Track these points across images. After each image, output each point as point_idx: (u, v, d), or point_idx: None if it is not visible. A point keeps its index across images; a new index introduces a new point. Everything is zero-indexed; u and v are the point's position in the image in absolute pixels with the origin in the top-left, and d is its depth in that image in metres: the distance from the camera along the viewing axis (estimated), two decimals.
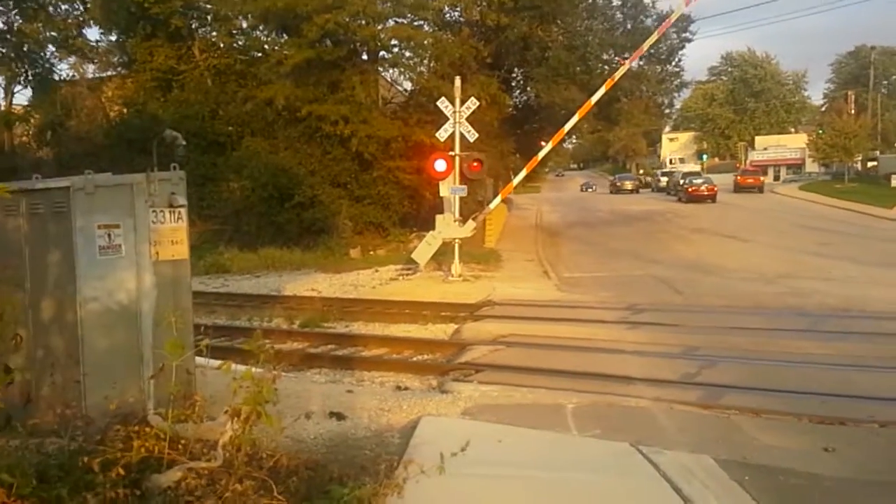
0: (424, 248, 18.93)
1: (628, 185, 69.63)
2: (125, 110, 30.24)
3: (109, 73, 34.05)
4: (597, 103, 21.96)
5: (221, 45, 31.87)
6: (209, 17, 31.95)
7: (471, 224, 19.07)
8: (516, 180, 24.01)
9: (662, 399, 7.79)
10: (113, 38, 33.51)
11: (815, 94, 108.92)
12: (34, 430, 4.95)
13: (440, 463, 4.08)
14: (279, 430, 4.14)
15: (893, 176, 53.83)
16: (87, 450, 4.31)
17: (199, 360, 6.13)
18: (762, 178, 55.73)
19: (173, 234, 6.60)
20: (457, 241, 18.47)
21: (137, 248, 6.25)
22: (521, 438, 6.31)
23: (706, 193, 47.08)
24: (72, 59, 33.26)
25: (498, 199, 23.35)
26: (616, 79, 20.78)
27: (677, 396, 7.94)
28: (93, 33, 40.98)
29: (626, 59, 25.19)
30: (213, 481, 4.03)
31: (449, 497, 4.56)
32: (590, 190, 79.74)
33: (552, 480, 5.19)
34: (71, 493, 3.78)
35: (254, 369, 4.23)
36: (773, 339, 11.00)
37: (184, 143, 25.63)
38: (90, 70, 34.33)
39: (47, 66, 33.89)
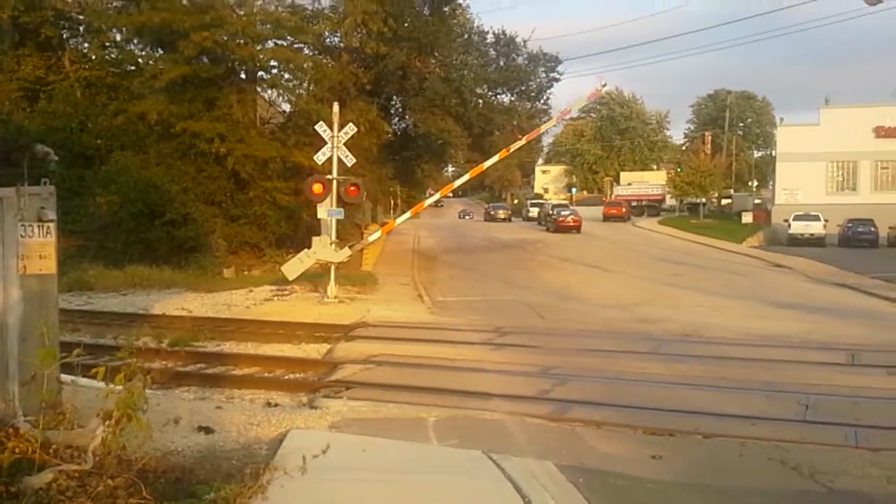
0: (296, 264, 19.04)
1: (501, 213, 73.13)
2: None
3: None
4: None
5: (93, 57, 30.87)
6: (81, 28, 30.92)
7: (346, 251, 19.33)
8: (399, 220, 24.48)
9: (516, 413, 8.43)
10: None
11: (677, 134, 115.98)
12: None
13: (302, 464, 4.45)
14: (148, 435, 4.38)
15: (744, 213, 58.40)
16: None
17: (64, 375, 6.20)
18: (625, 210, 60.22)
19: (42, 248, 6.64)
20: (332, 263, 18.73)
21: (5, 262, 6.26)
22: (384, 448, 6.75)
23: (572, 224, 50.09)
24: None
25: (377, 234, 23.83)
26: (510, 150, 22.24)
27: (530, 410, 8.62)
28: None
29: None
30: (84, 484, 4.24)
31: (311, 498, 4.92)
32: (467, 217, 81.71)
33: (408, 482, 5.66)
34: None
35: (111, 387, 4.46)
36: (621, 360, 11.95)
37: (56, 158, 24.60)
38: None
39: None
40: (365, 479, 5.64)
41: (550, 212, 56.20)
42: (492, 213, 73.31)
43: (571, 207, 59.77)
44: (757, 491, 6.31)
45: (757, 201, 65.80)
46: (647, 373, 11.01)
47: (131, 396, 4.09)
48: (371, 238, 23.43)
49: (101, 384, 4.55)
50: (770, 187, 63.96)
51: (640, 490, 6.07)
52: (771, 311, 18.46)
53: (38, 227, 6.61)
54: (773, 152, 60.44)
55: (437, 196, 26.10)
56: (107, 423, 4.15)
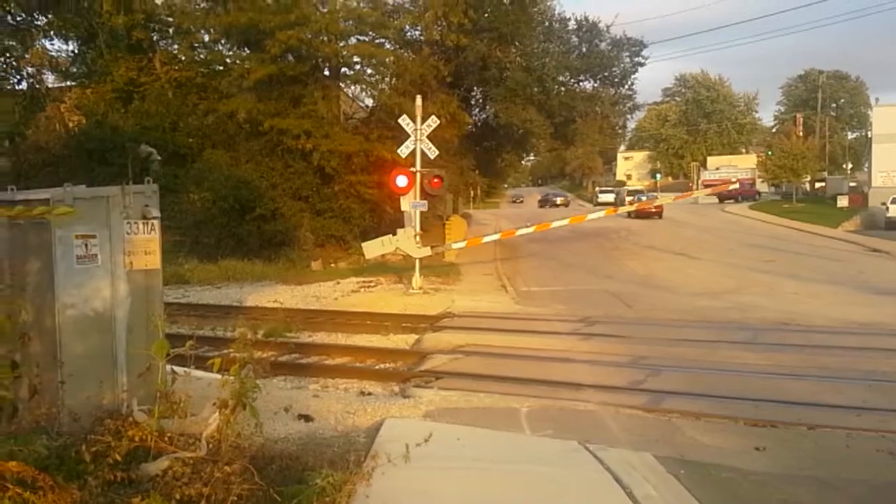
0: (377, 245, 19.28)
1: (559, 200, 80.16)
2: (84, 121, 30.10)
3: (68, 83, 33.87)
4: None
5: (183, 58, 31.95)
6: (171, 30, 32.03)
7: (427, 250, 19.37)
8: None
9: (609, 403, 8.34)
10: (73, 48, 33.43)
11: (766, 116, 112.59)
12: (18, 429, 5.25)
13: (405, 453, 4.52)
14: (259, 423, 4.53)
15: (839, 196, 55.98)
16: (76, 443, 4.66)
17: (176, 367, 6.46)
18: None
19: (146, 244, 6.94)
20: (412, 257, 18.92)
21: (112, 258, 6.54)
22: (479, 437, 6.79)
23: (654, 211, 49.06)
24: (30, 69, 32.95)
25: (462, 243, 23.31)
26: None
27: (624, 401, 8.51)
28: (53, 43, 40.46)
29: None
30: (198, 470, 4.42)
31: (412, 484, 5.00)
32: (548, 206, 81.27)
33: (506, 471, 5.68)
34: (66, 479, 4.13)
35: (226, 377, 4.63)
36: (715, 350, 11.65)
37: (158, 157, 25.71)
38: (48, 80, 34.11)
39: (4, 75, 33.60)
40: (463, 467, 5.70)
41: (634, 198, 55.36)
42: (551, 199, 75.24)
43: (648, 193, 59.83)
44: (865, 483, 6.08)
45: (852, 184, 62.98)
46: (744, 362, 10.70)
47: (244, 385, 4.24)
48: (457, 245, 23.39)
49: (212, 375, 4.73)
50: (866, 170, 61.06)
51: (745, 482, 5.92)
52: (870, 297, 17.63)
53: (143, 224, 6.90)
54: (869, 133, 57.57)
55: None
56: (222, 411, 4.31)
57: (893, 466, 6.43)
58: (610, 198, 72.12)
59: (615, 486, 5.41)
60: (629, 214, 50.24)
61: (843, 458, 6.68)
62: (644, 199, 52.75)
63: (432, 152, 18.91)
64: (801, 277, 21.52)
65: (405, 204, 18.97)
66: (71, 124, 30.52)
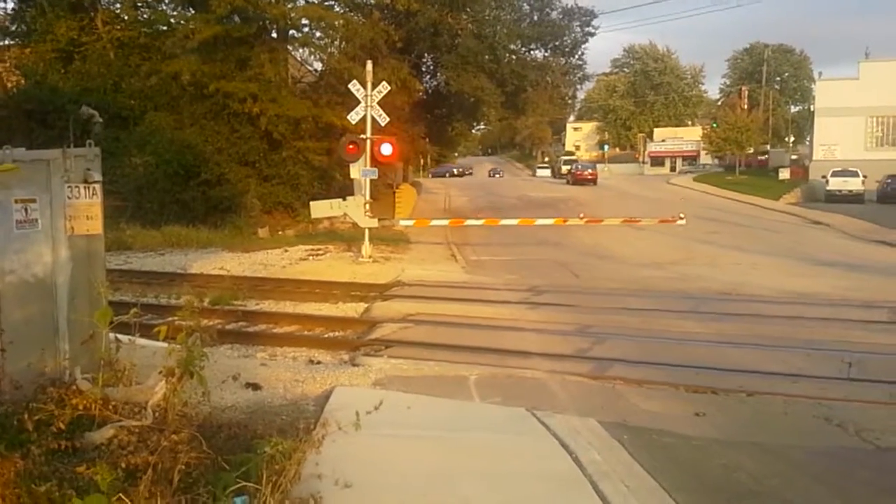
0: (325, 206, 19.22)
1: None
2: (23, 81, 28.98)
3: (7, 42, 32.50)
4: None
5: (125, 18, 30.99)
6: None
7: (375, 221, 19.21)
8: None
9: (556, 371, 8.49)
10: (11, 5, 32.05)
11: (712, 89, 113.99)
12: None
13: (356, 420, 4.53)
14: (207, 391, 4.49)
15: (781, 169, 57.36)
16: (18, 412, 4.55)
17: (121, 335, 6.34)
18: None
19: (88, 209, 6.75)
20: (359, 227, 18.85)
21: (53, 223, 6.36)
22: (429, 405, 6.85)
23: (589, 177, 57.66)
24: None
25: (410, 221, 23.44)
26: None
27: (570, 369, 8.66)
28: None
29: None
30: (144, 439, 4.36)
31: (362, 452, 5.02)
32: (497, 176, 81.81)
33: (455, 439, 5.75)
34: (8, 448, 4.03)
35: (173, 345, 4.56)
36: (659, 319, 11.92)
37: (100, 120, 24.89)
38: None
39: None
40: (413, 435, 5.74)
41: (571, 167, 64.56)
42: (498, 171, 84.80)
43: (591, 164, 68.55)
44: (803, 448, 6.31)
45: (794, 157, 64.58)
46: (687, 331, 10.96)
47: (191, 354, 4.19)
48: (405, 223, 23.33)
49: (157, 343, 4.65)
50: (807, 143, 62.65)
51: (685, 447, 6.10)
52: (810, 268, 18.24)
53: (85, 188, 6.71)
54: (811, 107, 58.94)
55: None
56: (169, 379, 4.26)
57: (829, 432, 6.70)
58: (547, 172, 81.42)
59: (561, 452, 5.51)
60: (567, 181, 60.26)
61: (781, 424, 6.93)
62: (580, 167, 62.62)
63: (383, 119, 18.71)
64: (744, 248, 22.11)
65: (355, 171, 18.77)
66: (10, 85, 29.39)
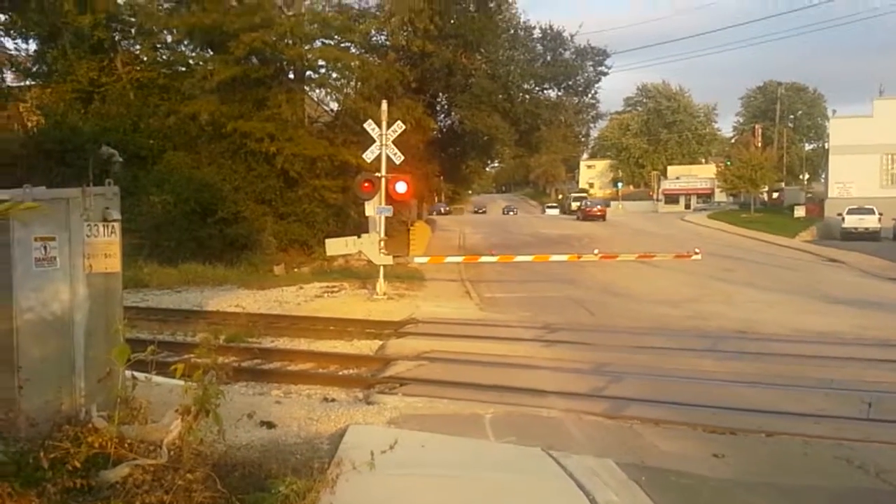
0: (340, 244, 19.18)
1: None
2: (43, 121, 29.52)
3: (28, 83, 33.20)
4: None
5: (145, 59, 31.55)
6: (133, 31, 31.58)
7: (390, 258, 19.26)
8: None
9: (572, 410, 8.41)
10: (32, 47, 32.78)
11: (726, 127, 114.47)
12: None
13: (370, 460, 4.51)
14: (222, 430, 4.48)
15: (797, 207, 57.18)
16: (34, 449, 4.56)
17: (137, 373, 6.36)
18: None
19: (107, 247, 6.82)
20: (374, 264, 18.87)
21: (72, 261, 6.41)
22: (443, 444, 6.80)
23: (598, 213, 61.28)
24: None
25: (424, 259, 23.51)
26: None
27: (586, 408, 8.58)
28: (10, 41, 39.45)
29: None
30: (159, 478, 4.36)
31: (376, 492, 4.99)
32: (511, 213, 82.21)
33: (470, 478, 5.70)
34: (24, 486, 4.04)
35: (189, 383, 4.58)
36: (675, 358, 11.82)
37: (120, 159, 25.29)
38: (7, 79, 33.39)
39: None
40: (427, 474, 5.70)
41: (581, 204, 67.48)
42: (512, 208, 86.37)
43: (601, 201, 71.50)
44: (823, 490, 6.21)
45: (809, 195, 64.40)
46: (703, 370, 10.87)
47: (207, 392, 4.20)
48: (419, 260, 23.42)
49: (173, 381, 4.67)
50: (822, 181, 62.52)
51: (704, 489, 6.02)
52: (826, 306, 18.06)
53: (104, 226, 6.78)
54: (826, 145, 59.04)
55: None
56: (184, 417, 4.26)
57: (850, 473, 6.58)
58: (556, 211, 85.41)
59: (578, 493, 5.45)
60: (577, 217, 63.66)
61: (801, 466, 6.82)
62: (589, 203, 66.11)
63: (398, 158, 18.89)
64: (760, 286, 21.94)
65: (370, 209, 18.91)
66: (30, 124, 29.93)
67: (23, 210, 5.45)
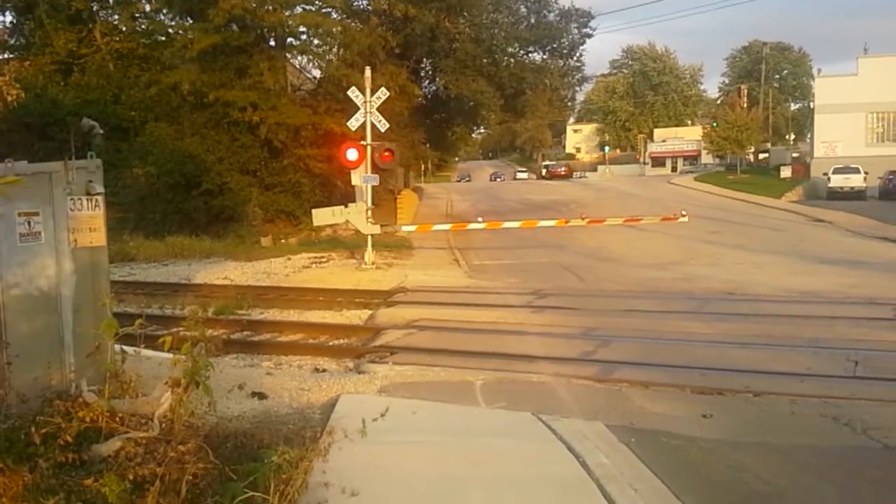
0: (327, 214, 19.11)
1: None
2: (23, 94, 29.04)
3: (6, 55, 32.63)
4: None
5: (124, 29, 31.08)
6: (111, 0, 31.03)
7: (377, 227, 19.19)
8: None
9: (562, 374, 8.48)
10: (9, 19, 32.17)
11: (711, 88, 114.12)
12: None
13: (362, 428, 4.53)
14: (213, 401, 4.49)
15: (783, 167, 57.25)
16: (25, 425, 4.56)
17: (125, 346, 6.34)
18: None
19: (91, 221, 6.74)
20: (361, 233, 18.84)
21: (56, 236, 6.35)
22: (434, 411, 6.84)
23: (563, 174, 77.13)
24: None
25: (412, 227, 23.37)
26: None
27: (575, 372, 8.65)
28: None
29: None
30: (151, 450, 4.36)
31: (369, 459, 5.02)
32: (498, 179, 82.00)
33: (462, 444, 5.75)
34: (16, 462, 4.04)
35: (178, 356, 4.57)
36: (663, 320, 11.90)
37: (101, 131, 24.97)
38: None
39: None
40: (419, 441, 5.74)
41: (548, 166, 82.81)
42: (498, 175, 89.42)
43: (563, 163, 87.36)
44: (810, 448, 6.29)
45: (795, 155, 64.49)
46: (691, 332, 10.94)
47: (197, 364, 4.19)
48: (407, 228, 23.34)
49: (162, 354, 4.66)
50: (808, 140, 62.56)
51: (693, 449, 6.09)
52: (813, 266, 18.20)
53: (87, 200, 6.70)
54: (811, 104, 58.82)
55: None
56: (175, 389, 4.26)
57: (837, 431, 6.66)
58: (525, 175, 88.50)
59: (568, 456, 5.51)
60: (542, 177, 78.92)
61: (788, 424, 6.90)
62: (553, 166, 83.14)
63: (382, 125, 18.72)
64: (746, 248, 22.06)
65: (356, 178, 18.78)
66: (9, 98, 29.39)
67: (5, 185, 5.37)
